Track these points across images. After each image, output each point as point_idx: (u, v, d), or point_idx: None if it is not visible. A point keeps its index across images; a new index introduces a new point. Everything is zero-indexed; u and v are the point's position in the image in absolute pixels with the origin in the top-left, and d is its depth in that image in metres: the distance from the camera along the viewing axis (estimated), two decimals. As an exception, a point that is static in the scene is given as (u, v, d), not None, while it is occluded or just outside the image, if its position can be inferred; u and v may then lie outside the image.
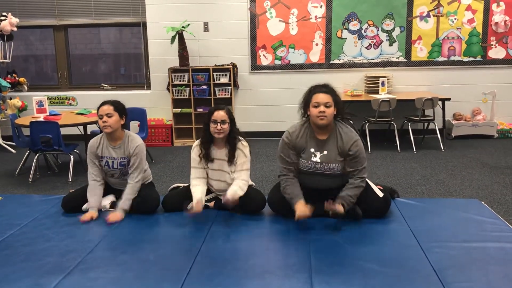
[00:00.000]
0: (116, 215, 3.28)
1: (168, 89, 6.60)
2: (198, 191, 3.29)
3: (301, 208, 3.04)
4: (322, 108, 3.04)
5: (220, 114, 3.28)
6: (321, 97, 3.07)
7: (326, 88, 3.14)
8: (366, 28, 6.49)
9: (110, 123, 3.36)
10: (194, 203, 3.20)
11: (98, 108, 3.44)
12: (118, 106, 3.46)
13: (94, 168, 3.47)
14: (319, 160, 3.13)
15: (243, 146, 3.37)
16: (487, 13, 6.38)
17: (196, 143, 3.45)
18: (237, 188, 3.24)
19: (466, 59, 6.51)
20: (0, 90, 6.30)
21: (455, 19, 6.41)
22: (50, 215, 3.44)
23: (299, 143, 3.16)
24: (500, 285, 2.35)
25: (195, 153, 3.41)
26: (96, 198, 3.41)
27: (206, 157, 3.38)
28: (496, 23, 6.35)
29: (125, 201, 3.36)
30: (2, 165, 5.47)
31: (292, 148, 3.17)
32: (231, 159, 3.35)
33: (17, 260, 2.71)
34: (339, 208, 2.97)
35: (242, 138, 3.41)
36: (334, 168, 3.13)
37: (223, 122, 3.27)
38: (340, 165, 3.13)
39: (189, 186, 3.49)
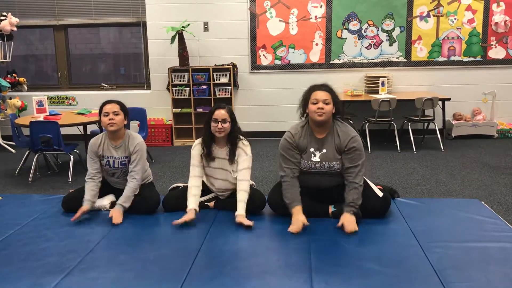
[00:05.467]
0: (116, 215, 3.26)
1: (168, 89, 6.60)
2: (192, 201, 3.26)
3: (296, 222, 3.02)
4: (320, 104, 3.07)
5: (221, 113, 3.28)
6: (320, 94, 3.10)
7: (325, 87, 3.18)
8: (366, 28, 6.48)
9: (117, 121, 3.37)
10: (187, 209, 3.21)
11: (102, 106, 3.44)
12: (123, 106, 3.48)
13: (93, 166, 3.45)
14: (318, 160, 3.14)
15: (244, 145, 3.37)
16: (487, 13, 6.38)
17: (197, 141, 3.45)
18: (243, 198, 3.22)
19: (466, 59, 6.50)
20: (0, 90, 6.29)
21: (455, 19, 6.41)
22: (50, 215, 3.44)
23: (301, 144, 3.18)
24: (500, 285, 2.34)
25: (196, 150, 3.41)
26: (91, 193, 3.37)
27: (208, 156, 3.38)
28: (496, 23, 6.35)
29: (125, 199, 3.35)
30: (2, 165, 5.47)
31: (295, 148, 3.18)
32: (232, 158, 3.35)
33: (17, 260, 2.71)
34: (354, 221, 3.00)
35: (243, 137, 3.41)
36: (334, 167, 3.13)
37: (223, 121, 3.27)
38: (340, 163, 3.14)
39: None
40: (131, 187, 3.37)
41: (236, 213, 3.18)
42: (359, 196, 3.09)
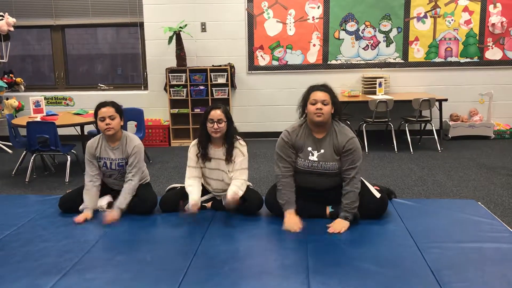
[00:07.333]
0: (112, 214, 3.27)
1: (165, 89, 6.60)
2: (194, 192, 3.28)
3: (290, 221, 3.08)
4: (319, 105, 3.07)
5: (216, 113, 3.28)
6: (319, 95, 3.11)
7: (324, 87, 3.18)
8: (364, 29, 6.50)
9: (114, 125, 3.35)
10: (191, 204, 3.19)
11: (97, 110, 3.40)
12: (118, 107, 3.45)
13: (92, 168, 3.45)
14: (316, 159, 3.14)
15: (241, 145, 3.37)
16: (484, 14, 6.40)
17: (193, 142, 3.44)
18: (236, 188, 3.23)
19: (463, 60, 6.52)
20: (-4, 90, 6.29)
21: (452, 20, 6.42)
22: (46, 216, 3.43)
23: (298, 143, 3.18)
24: (497, 286, 2.35)
25: (192, 152, 3.40)
26: (91, 199, 3.38)
27: (204, 156, 3.37)
28: (493, 24, 6.37)
29: (122, 200, 3.34)
30: (-1, 165, 5.46)
31: (291, 147, 3.19)
32: (228, 158, 3.34)
33: (14, 261, 2.70)
34: (345, 225, 3.05)
35: (240, 137, 3.40)
36: (331, 167, 3.13)
37: (219, 121, 3.27)
38: (337, 164, 3.14)
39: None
40: (128, 189, 3.36)
41: (227, 196, 3.18)
42: (356, 200, 3.11)
